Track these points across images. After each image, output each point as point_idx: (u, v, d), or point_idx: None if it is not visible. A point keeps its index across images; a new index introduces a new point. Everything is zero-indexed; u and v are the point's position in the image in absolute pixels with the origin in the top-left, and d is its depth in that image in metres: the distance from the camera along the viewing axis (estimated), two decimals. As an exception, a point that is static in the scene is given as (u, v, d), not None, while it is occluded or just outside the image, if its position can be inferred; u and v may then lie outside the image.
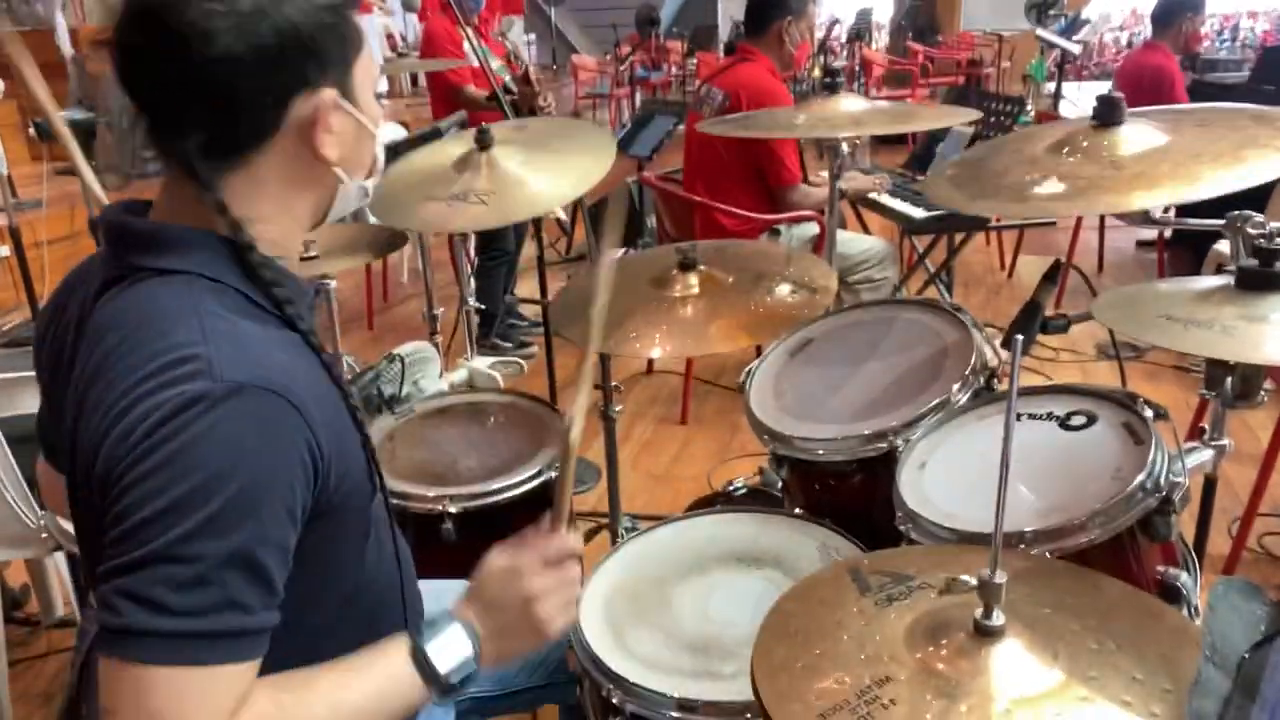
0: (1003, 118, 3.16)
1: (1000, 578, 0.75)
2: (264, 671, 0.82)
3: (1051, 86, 6.16)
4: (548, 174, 1.70)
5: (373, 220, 2.29)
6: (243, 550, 0.73)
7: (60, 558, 1.99)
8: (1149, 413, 1.16)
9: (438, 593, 1.24)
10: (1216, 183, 1.10)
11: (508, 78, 3.59)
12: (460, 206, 1.64)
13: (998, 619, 0.76)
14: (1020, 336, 0.73)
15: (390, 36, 8.84)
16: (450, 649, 0.87)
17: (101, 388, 0.77)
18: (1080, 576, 0.91)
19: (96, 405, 0.76)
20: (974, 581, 0.77)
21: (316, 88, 0.82)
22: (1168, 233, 4.41)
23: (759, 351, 1.85)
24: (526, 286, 4.16)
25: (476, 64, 2.78)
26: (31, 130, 2.93)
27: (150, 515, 0.71)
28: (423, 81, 8.57)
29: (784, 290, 1.45)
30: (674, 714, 1.02)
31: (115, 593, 0.72)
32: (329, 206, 0.93)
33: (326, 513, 0.83)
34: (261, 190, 0.85)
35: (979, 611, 0.77)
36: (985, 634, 0.76)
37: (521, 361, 3.63)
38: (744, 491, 1.82)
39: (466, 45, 2.94)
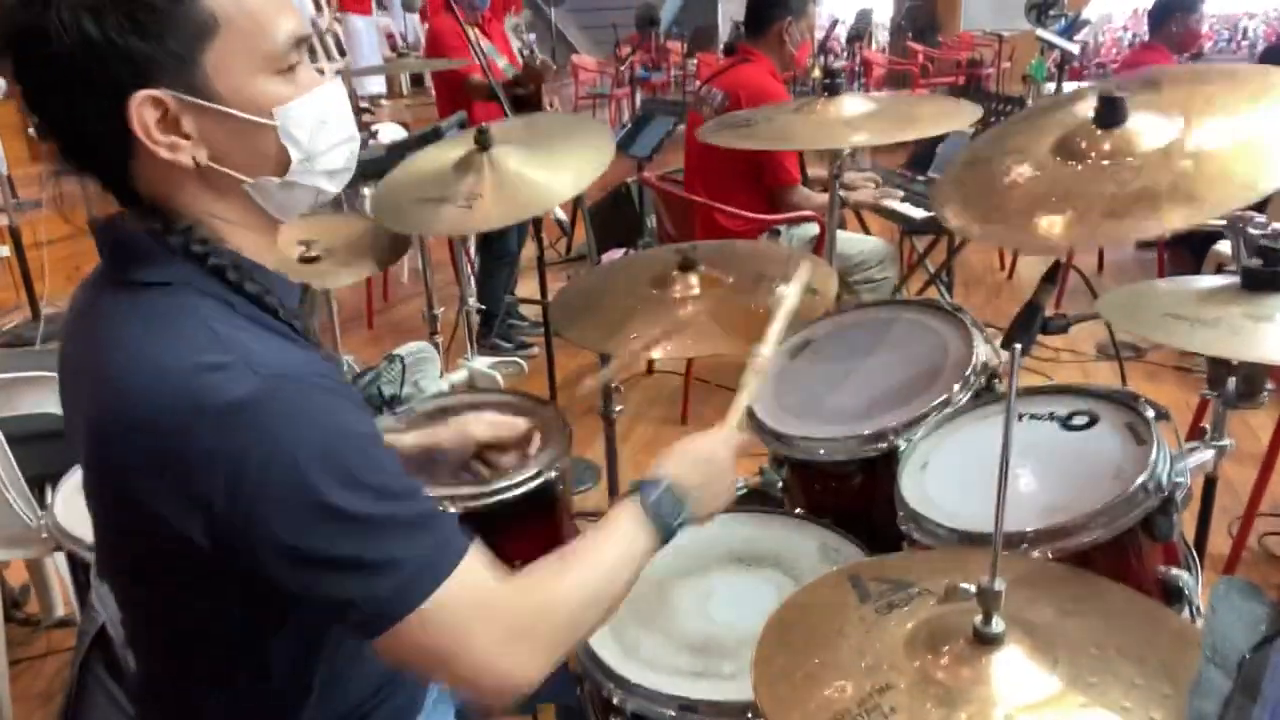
0: (1003, 118, 3.16)
1: (999, 585, 0.75)
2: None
3: (1051, 87, 6.16)
4: (545, 172, 1.71)
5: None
6: (393, 488, 0.77)
7: (60, 558, 1.99)
8: (1150, 413, 1.16)
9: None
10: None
11: (514, 76, 3.60)
12: (449, 209, 1.67)
13: (997, 626, 0.76)
14: (1018, 344, 0.72)
15: (390, 36, 8.84)
16: (669, 502, 0.95)
17: (126, 405, 0.74)
18: (1080, 581, 0.91)
19: (129, 425, 0.74)
20: (973, 589, 0.76)
21: (133, 92, 0.75)
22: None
23: (759, 352, 1.85)
24: (526, 287, 4.16)
25: (479, 61, 2.78)
26: (31, 130, 2.92)
27: (308, 510, 0.73)
28: (425, 81, 8.57)
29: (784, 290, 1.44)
30: (674, 714, 1.02)
31: (338, 591, 0.76)
32: (256, 209, 0.85)
33: None
34: (171, 198, 0.82)
35: (978, 619, 0.76)
36: (985, 641, 0.76)
37: (522, 361, 3.63)
38: (744, 491, 1.82)
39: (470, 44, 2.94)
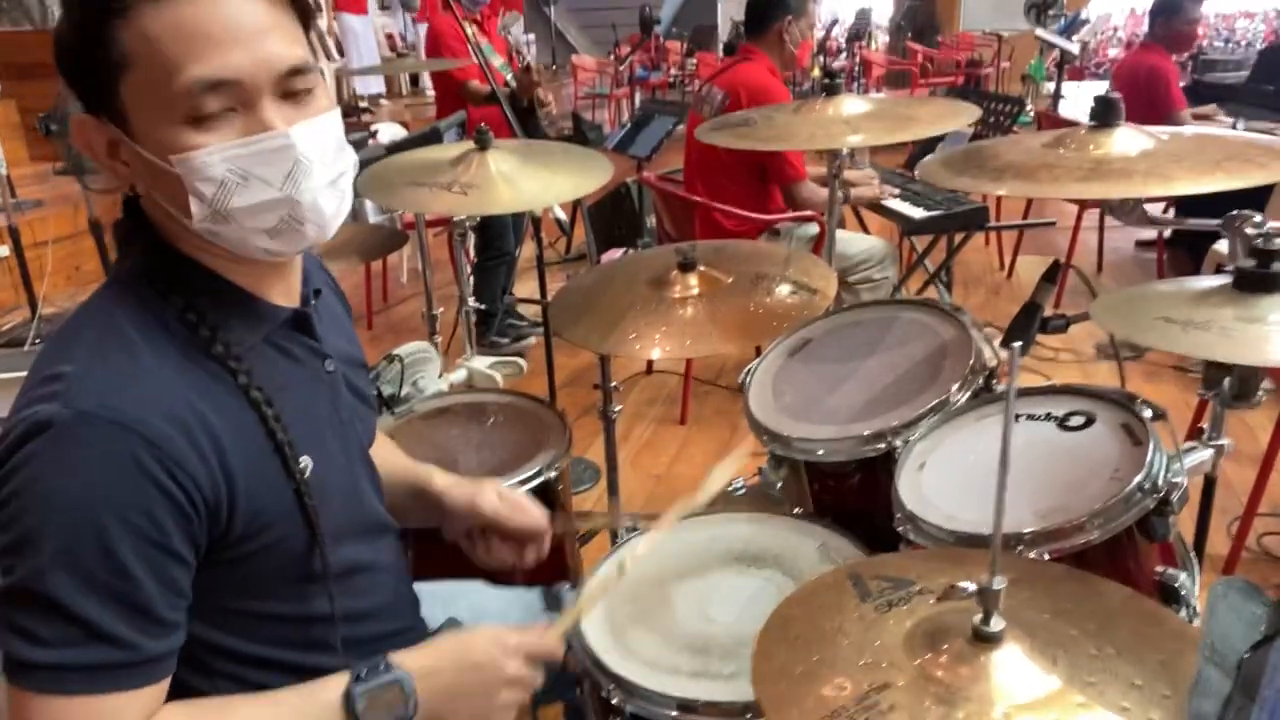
0: (1002, 118, 3.16)
1: (999, 584, 0.75)
2: (196, 689, 0.85)
3: (1051, 86, 6.17)
4: (536, 180, 1.74)
5: (372, 220, 2.28)
6: (98, 582, 0.73)
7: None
8: (1147, 413, 1.16)
9: (440, 596, 1.24)
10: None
11: (509, 76, 3.60)
12: (440, 193, 1.68)
13: (996, 625, 0.76)
14: (1017, 344, 0.73)
15: (390, 36, 8.84)
16: (385, 700, 0.85)
17: None
18: (1081, 581, 0.91)
19: None
20: (973, 588, 0.77)
21: (87, 114, 0.79)
22: (1167, 233, 4.41)
23: (759, 351, 1.86)
24: (526, 286, 4.16)
25: (478, 61, 2.78)
26: (42, 129, 2.93)
27: (6, 546, 0.73)
28: (423, 81, 8.58)
29: (783, 290, 1.45)
30: (674, 714, 1.01)
31: (1, 621, 0.74)
32: (230, 244, 0.82)
33: (243, 558, 0.83)
34: (155, 206, 0.83)
35: (978, 618, 0.76)
36: (984, 640, 0.76)
37: (521, 362, 3.63)
38: (744, 491, 1.82)
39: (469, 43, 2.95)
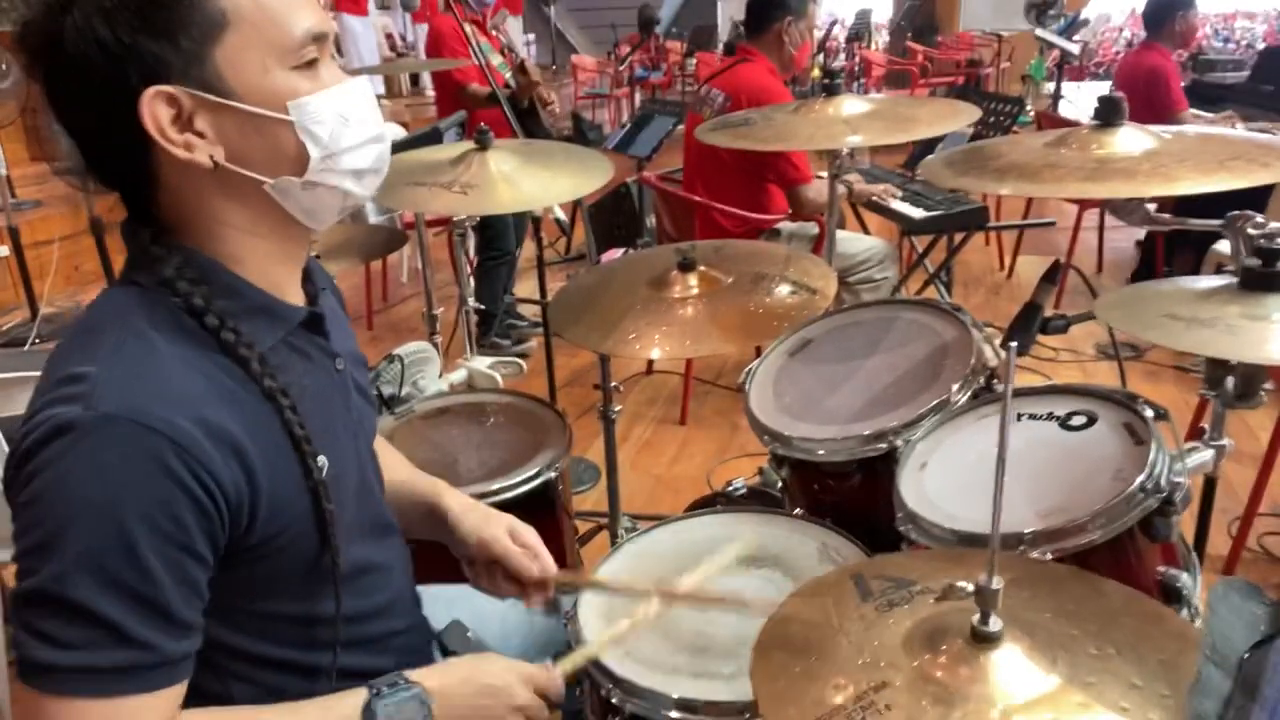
0: (1002, 118, 3.16)
1: (997, 583, 0.75)
2: (207, 689, 0.84)
3: (1051, 86, 6.17)
4: (536, 180, 1.74)
5: (372, 220, 2.28)
6: (122, 584, 0.73)
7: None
8: (1149, 413, 1.16)
9: (442, 597, 1.24)
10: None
11: (508, 75, 3.60)
12: (440, 192, 1.68)
13: (995, 625, 0.76)
14: (1014, 343, 0.72)
15: (390, 36, 8.84)
16: (405, 715, 0.86)
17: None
18: (1082, 581, 0.90)
19: None
20: (970, 588, 0.76)
21: (141, 90, 0.75)
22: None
23: (759, 351, 1.85)
24: (526, 286, 4.16)
25: (478, 62, 2.78)
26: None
27: (28, 548, 0.73)
28: (424, 80, 8.58)
29: (783, 290, 1.44)
30: (673, 714, 1.01)
31: (18, 624, 0.73)
32: (281, 213, 0.84)
33: (258, 559, 0.82)
34: (184, 201, 0.82)
35: (976, 617, 0.76)
36: (983, 640, 0.76)
37: (520, 362, 3.63)
38: (744, 491, 1.82)
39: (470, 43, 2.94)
